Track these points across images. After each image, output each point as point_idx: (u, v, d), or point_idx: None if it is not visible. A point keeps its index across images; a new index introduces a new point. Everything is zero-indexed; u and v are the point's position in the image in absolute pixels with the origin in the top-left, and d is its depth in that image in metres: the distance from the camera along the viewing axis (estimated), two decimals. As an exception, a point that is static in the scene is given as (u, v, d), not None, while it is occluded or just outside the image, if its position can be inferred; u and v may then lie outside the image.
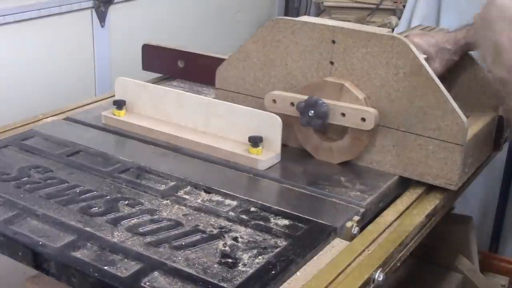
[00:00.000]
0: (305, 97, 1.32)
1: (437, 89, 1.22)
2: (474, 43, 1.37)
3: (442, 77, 1.32)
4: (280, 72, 1.40)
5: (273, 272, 0.97)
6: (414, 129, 1.27)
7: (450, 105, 1.22)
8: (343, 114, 1.29)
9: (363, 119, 1.27)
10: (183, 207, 1.16)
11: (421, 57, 1.25)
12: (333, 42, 1.32)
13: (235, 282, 0.94)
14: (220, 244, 1.05)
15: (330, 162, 1.36)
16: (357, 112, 1.28)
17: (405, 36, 1.36)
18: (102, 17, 2.26)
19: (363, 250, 1.08)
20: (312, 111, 1.30)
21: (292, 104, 1.34)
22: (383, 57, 1.27)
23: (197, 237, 1.06)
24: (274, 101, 1.37)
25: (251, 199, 1.19)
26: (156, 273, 0.96)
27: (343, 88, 1.31)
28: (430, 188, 1.31)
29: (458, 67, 1.45)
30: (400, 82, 1.26)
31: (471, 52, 1.45)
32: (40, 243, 1.03)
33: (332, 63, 1.33)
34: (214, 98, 1.49)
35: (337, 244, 1.09)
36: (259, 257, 1.01)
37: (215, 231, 1.08)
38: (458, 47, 1.40)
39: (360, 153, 1.34)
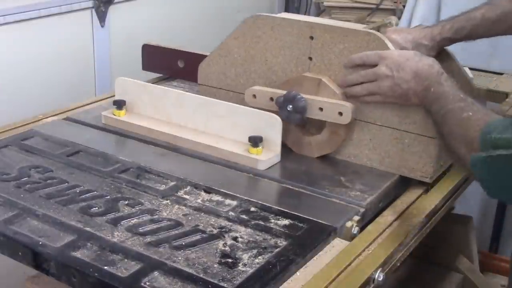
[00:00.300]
0: (284, 92, 1.35)
1: None
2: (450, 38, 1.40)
3: None
4: (260, 67, 1.43)
5: (273, 272, 0.97)
6: (390, 123, 1.30)
7: None
8: (321, 109, 1.32)
9: (340, 113, 1.29)
10: (183, 207, 1.16)
11: None
12: (311, 38, 1.35)
13: (235, 282, 0.94)
14: (220, 244, 1.05)
15: (330, 162, 1.37)
16: (334, 107, 1.30)
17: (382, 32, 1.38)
18: (102, 17, 2.26)
19: (363, 250, 1.08)
20: (291, 106, 1.33)
21: (272, 99, 1.37)
22: (359, 52, 1.28)
23: (197, 237, 1.06)
24: (254, 96, 1.40)
25: (251, 199, 1.19)
26: (156, 273, 0.96)
27: (320, 83, 1.33)
28: (430, 188, 1.31)
29: None
30: None
31: (448, 48, 1.47)
32: (40, 243, 1.03)
33: (310, 58, 1.36)
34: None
35: (337, 244, 1.09)
36: (259, 257, 1.01)
37: (215, 231, 1.08)
38: (435, 43, 1.42)
39: (338, 147, 1.36)
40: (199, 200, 1.19)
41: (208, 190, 1.23)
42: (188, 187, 1.24)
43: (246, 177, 1.31)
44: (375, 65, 1.26)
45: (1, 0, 1.91)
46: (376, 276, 1.03)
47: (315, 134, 1.37)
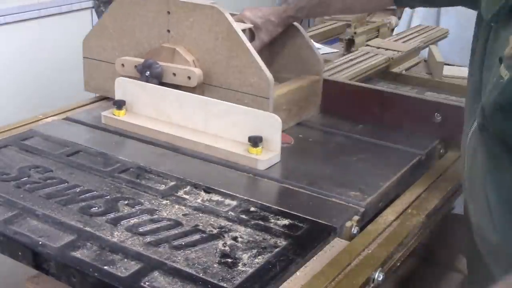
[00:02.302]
0: None
1: (247, 51, 1.42)
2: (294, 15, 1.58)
3: (270, 45, 1.61)
4: (131, 41, 1.61)
5: (273, 271, 0.97)
6: (232, 86, 1.47)
7: (258, 64, 1.41)
8: (174, 74, 1.50)
9: (189, 78, 1.48)
10: (183, 207, 1.16)
11: (235, 24, 1.45)
12: (168, 13, 1.52)
13: (234, 282, 0.95)
14: (219, 244, 1.05)
15: (330, 162, 1.37)
16: (184, 72, 1.49)
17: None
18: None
19: (363, 250, 1.08)
20: (148, 72, 1.51)
21: (136, 67, 1.54)
22: (206, 25, 1.47)
23: (197, 237, 1.06)
24: (123, 65, 1.58)
25: (251, 199, 1.19)
26: (156, 273, 0.96)
27: (175, 52, 1.51)
28: (430, 188, 1.31)
29: (285, 37, 1.63)
30: (220, 46, 1.46)
31: (296, 24, 1.61)
32: (40, 243, 1.03)
33: (168, 31, 1.54)
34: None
35: (337, 244, 1.09)
36: (259, 256, 1.01)
37: (214, 231, 1.08)
38: (281, 20, 1.58)
39: None
40: (198, 200, 1.19)
41: (207, 190, 1.23)
42: (188, 187, 1.24)
43: (246, 177, 1.31)
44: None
45: (1, 0, 1.91)
46: (376, 276, 1.03)
47: None
